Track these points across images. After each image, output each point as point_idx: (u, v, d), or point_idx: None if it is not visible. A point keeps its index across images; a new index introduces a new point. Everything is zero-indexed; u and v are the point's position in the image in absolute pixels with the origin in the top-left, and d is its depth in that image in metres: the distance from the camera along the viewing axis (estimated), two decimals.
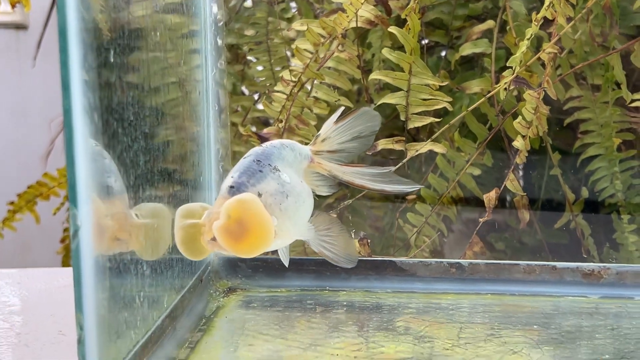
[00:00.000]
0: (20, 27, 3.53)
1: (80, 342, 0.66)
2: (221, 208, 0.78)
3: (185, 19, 1.01)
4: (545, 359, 0.85)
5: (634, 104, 1.21)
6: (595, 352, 0.87)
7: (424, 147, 1.13)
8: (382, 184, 0.98)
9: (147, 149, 0.82)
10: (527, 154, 1.13)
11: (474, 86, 1.23)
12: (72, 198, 0.65)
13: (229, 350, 0.90)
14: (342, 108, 0.98)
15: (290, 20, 1.51)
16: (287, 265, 0.94)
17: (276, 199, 0.84)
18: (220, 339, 0.92)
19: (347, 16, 1.19)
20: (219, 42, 1.10)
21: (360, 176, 0.99)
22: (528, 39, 1.09)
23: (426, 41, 1.45)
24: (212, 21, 1.05)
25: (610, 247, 1.27)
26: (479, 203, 1.26)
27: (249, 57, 1.54)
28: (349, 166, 0.98)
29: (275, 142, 0.93)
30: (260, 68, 1.53)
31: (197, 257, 0.84)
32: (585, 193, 1.26)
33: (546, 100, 1.20)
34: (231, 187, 0.82)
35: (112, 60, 0.73)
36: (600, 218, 1.28)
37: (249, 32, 1.51)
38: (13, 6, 1.75)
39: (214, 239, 0.79)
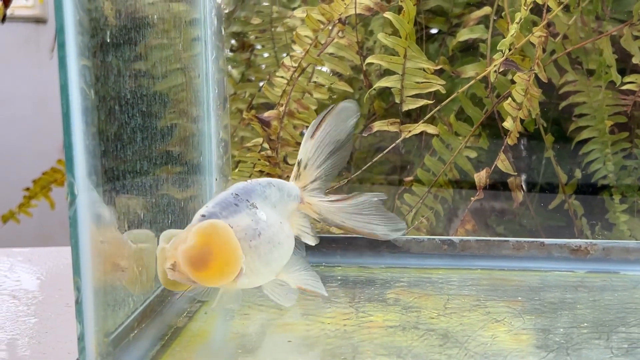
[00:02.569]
0: (40, 20, 3.60)
1: (78, 303, 0.71)
2: (189, 232, 0.77)
3: (186, 6, 1.05)
4: (525, 326, 0.89)
5: (626, 87, 1.24)
6: (575, 321, 0.90)
7: (417, 128, 1.16)
8: (373, 225, 0.96)
9: (144, 127, 0.87)
10: (518, 135, 1.17)
11: (469, 70, 1.27)
12: (69, 168, 0.69)
13: (225, 319, 0.94)
14: (320, 117, 0.95)
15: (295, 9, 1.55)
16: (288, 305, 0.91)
17: (247, 235, 0.81)
18: (218, 310, 0.96)
19: (345, 3, 1.23)
20: (218, 26, 1.14)
21: (349, 216, 0.96)
22: (517, 23, 1.12)
23: (433, 30, 1.49)
24: (211, 7, 1.09)
25: (602, 226, 1.30)
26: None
27: (255, 45, 1.59)
28: (339, 201, 0.96)
29: (262, 180, 0.91)
30: (265, 55, 1.57)
31: (170, 286, 0.82)
32: (578, 174, 1.30)
33: (543, 85, 1.23)
34: (203, 215, 0.80)
35: (109, 40, 0.77)
36: (594, 199, 1.31)
37: (255, 20, 1.55)
38: None
39: (173, 265, 0.77)
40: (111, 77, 0.77)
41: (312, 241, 0.95)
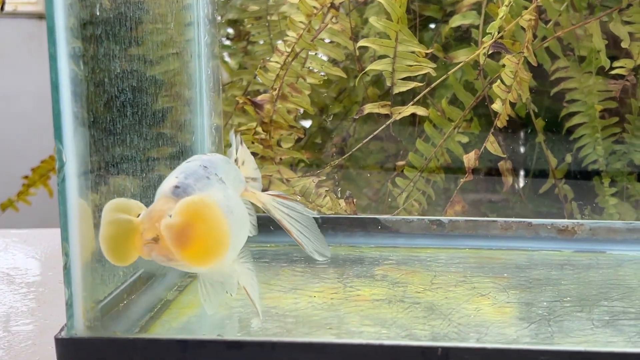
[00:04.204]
0: (43, 17, 3.62)
1: (66, 268, 0.72)
2: (176, 205, 0.71)
3: None
4: (509, 300, 0.90)
5: (615, 72, 1.26)
6: (559, 296, 0.92)
7: (407, 110, 1.18)
8: (303, 237, 0.94)
9: (134, 103, 0.88)
10: (508, 119, 1.18)
11: (461, 56, 1.28)
12: (57, 135, 0.71)
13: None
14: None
15: None
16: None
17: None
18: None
19: None
20: (211, 11, 1.16)
21: (287, 217, 0.93)
22: (507, 6, 1.13)
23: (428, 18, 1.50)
24: None
25: (592, 210, 1.31)
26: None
27: (251, 33, 1.60)
28: (282, 197, 0.92)
29: (219, 155, 0.86)
30: (261, 42, 1.59)
31: (121, 260, 0.73)
32: (568, 159, 1.31)
33: (536, 71, 1.25)
34: (176, 187, 0.74)
35: (98, 15, 0.79)
36: (584, 183, 1.33)
37: (251, 8, 1.57)
38: None
39: (155, 239, 0.71)
40: (101, 51, 0.79)
41: (253, 231, 0.92)
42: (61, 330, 0.74)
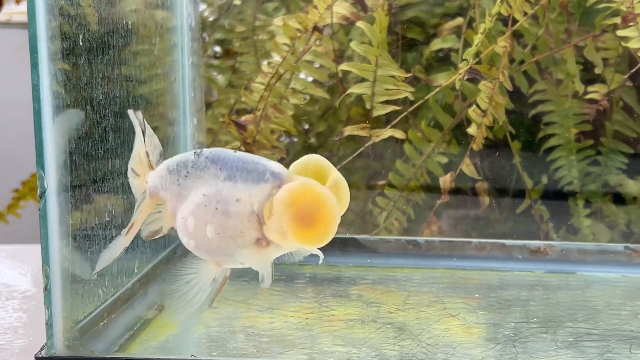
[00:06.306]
0: None
1: (47, 289, 0.75)
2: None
3: (165, 13, 1.10)
4: (478, 321, 0.93)
5: (589, 96, 1.29)
6: (526, 317, 0.95)
7: (385, 133, 1.21)
8: None
9: (117, 128, 0.91)
10: (483, 141, 1.21)
11: (440, 79, 1.32)
12: (39, 162, 0.74)
13: (193, 312, 0.98)
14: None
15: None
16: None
17: None
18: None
19: (319, 12, 1.27)
20: (197, 33, 1.19)
21: None
22: (482, 33, 1.17)
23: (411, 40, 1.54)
24: (188, 14, 1.14)
25: (567, 230, 1.34)
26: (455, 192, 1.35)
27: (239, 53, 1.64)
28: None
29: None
30: (248, 62, 1.62)
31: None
32: (544, 180, 1.34)
33: (516, 94, 1.28)
34: (278, 172, 0.70)
35: (81, 44, 0.82)
36: (560, 204, 1.36)
37: (239, 28, 1.60)
38: (18, 2, 1.85)
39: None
40: (83, 79, 0.82)
41: None
42: (41, 349, 0.77)
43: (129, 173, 0.79)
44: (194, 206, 0.72)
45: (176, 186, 0.74)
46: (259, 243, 0.70)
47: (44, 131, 0.73)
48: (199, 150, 0.74)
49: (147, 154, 0.78)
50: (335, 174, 0.70)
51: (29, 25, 0.73)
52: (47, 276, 0.75)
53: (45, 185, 0.74)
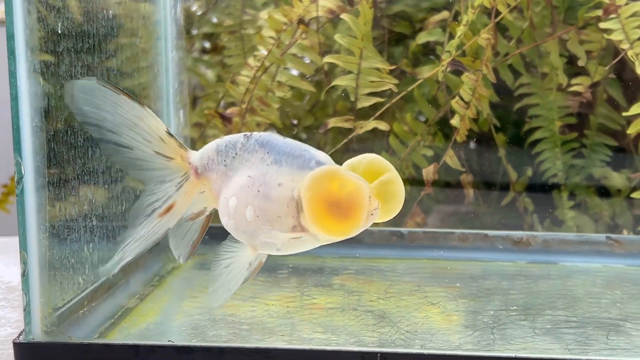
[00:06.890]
0: None
1: (24, 275, 0.76)
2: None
3: (148, 5, 1.11)
4: (458, 309, 0.94)
5: (573, 88, 1.29)
6: (506, 305, 0.95)
7: (369, 124, 1.21)
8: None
9: None
10: (467, 133, 1.22)
11: (425, 72, 1.32)
12: (16, 148, 0.74)
13: (174, 301, 0.99)
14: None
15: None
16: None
17: None
18: (169, 293, 1.01)
19: (304, 4, 1.28)
20: (181, 26, 1.19)
21: None
22: (464, 25, 1.17)
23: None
24: (172, 6, 1.14)
25: (552, 222, 1.35)
26: (440, 184, 1.35)
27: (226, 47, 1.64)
28: None
29: None
30: (235, 56, 1.62)
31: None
32: (529, 172, 1.35)
33: (502, 87, 1.28)
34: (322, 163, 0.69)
35: (60, 31, 0.82)
36: (544, 196, 1.36)
37: (227, 22, 1.61)
38: None
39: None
40: (62, 67, 0.82)
41: None
42: (19, 335, 0.77)
43: (153, 157, 0.75)
44: (238, 187, 0.72)
45: (223, 167, 0.74)
46: (295, 230, 0.69)
47: (21, 116, 0.74)
48: (248, 133, 0.73)
49: (170, 134, 0.76)
50: (389, 173, 0.69)
51: (6, 13, 0.73)
52: (24, 262, 0.75)
53: (23, 172, 0.74)
